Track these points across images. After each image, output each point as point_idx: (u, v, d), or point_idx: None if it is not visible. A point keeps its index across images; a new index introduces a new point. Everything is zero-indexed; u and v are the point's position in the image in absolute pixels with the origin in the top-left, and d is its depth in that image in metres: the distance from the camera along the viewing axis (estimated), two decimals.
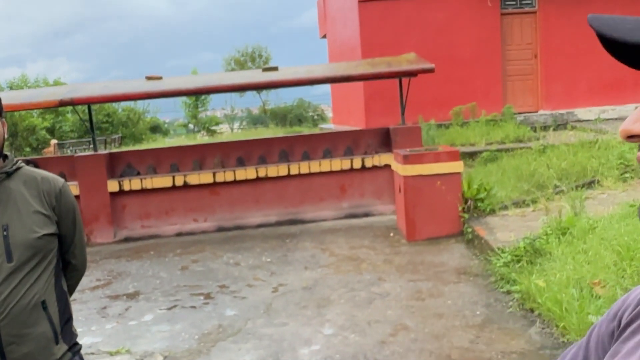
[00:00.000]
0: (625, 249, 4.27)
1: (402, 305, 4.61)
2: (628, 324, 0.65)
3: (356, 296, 4.89)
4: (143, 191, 7.97)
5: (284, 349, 3.96)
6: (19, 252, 1.65)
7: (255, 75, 8.49)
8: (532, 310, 4.15)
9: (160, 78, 8.55)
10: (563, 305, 3.78)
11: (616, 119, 11.82)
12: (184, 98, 25.98)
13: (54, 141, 12.89)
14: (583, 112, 12.13)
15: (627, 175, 7.06)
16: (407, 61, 8.11)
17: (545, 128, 11.30)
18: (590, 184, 7.00)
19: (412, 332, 4.07)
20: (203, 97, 25.93)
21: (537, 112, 12.44)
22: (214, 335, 4.34)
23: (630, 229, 4.70)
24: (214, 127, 26.09)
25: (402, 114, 8.45)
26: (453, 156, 6.55)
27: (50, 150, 10.97)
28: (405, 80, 8.23)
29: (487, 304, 4.47)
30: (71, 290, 1.96)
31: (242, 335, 4.29)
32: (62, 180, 1.83)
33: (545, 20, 12.30)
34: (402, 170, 6.61)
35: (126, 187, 7.91)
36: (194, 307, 5.00)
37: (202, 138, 23.65)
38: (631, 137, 0.53)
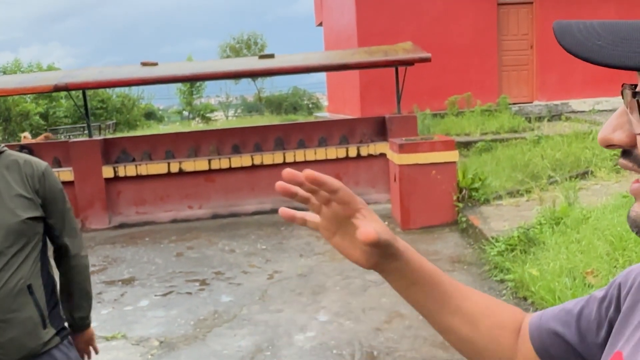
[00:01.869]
0: (618, 239, 4.32)
1: (396, 293, 4.64)
2: (632, 298, 0.65)
3: (351, 283, 4.93)
4: (138, 177, 7.96)
5: (279, 335, 4.00)
6: (1, 236, 1.63)
7: (251, 63, 8.46)
8: (525, 299, 4.19)
9: (155, 64, 8.50)
10: (556, 294, 3.83)
11: (610, 110, 11.86)
12: (179, 85, 25.85)
13: (24, 133, 12.42)
14: (577, 104, 12.17)
15: (618, 166, 7.11)
16: (403, 50, 8.10)
17: (539, 119, 11.34)
18: (584, 175, 7.05)
19: (407, 319, 4.11)
20: (198, 84, 25.80)
21: (532, 102, 12.48)
22: (209, 321, 4.37)
23: (623, 219, 4.75)
24: (208, 115, 25.99)
25: (398, 102, 8.45)
26: (448, 146, 6.57)
27: (26, 138, 10.72)
28: (401, 69, 8.23)
29: (481, 292, 4.51)
30: (85, 286, 1.91)
31: (238, 321, 4.32)
32: (45, 163, 1.82)
33: (542, 11, 12.30)
34: (397, 159, 6.63)
35: (121, 173, 7.90)
36: (189, 293, 5.02)
37: (196, 125, 23.59)
38: (611, 146, 0.53)
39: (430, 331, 3.88)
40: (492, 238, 5.25)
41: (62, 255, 1.88)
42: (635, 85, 0.50)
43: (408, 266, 0.75)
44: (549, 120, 11.26)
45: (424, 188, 6.50)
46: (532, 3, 12.45)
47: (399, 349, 3.66)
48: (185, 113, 28.19)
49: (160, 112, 33.21)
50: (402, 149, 6.55)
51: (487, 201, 6.58)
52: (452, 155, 6.55)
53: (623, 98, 0.51)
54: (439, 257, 5.45)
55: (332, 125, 8.73)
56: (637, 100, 0.49)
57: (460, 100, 11.66)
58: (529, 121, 11.01)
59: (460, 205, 6.49)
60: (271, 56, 8.47)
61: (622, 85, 0.52)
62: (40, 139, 10.98)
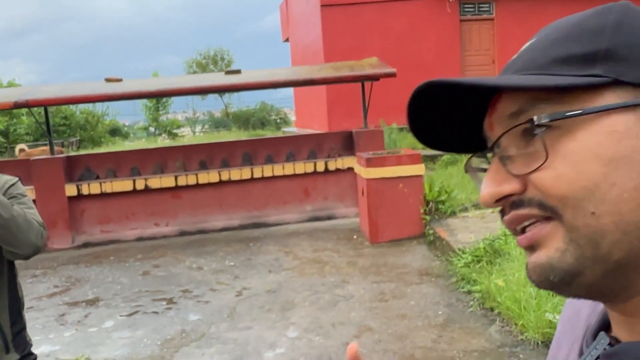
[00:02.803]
0: None
1: (365, 307, 4.65)
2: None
3: (320, 299, 4.91)
4: (102, 195, 7.80)
5: (249, 353, 3.95)
6: None
7: (217, 78, 8.43)
8: (492, 309, 4.25)
9: (120, 80, 8.40)
10: (522, 304, 3.89)
11: None
12: (145, 101, 25.56)
13: (21, 145, 12.22)
14: None
15: None
16: (369, 65, 8.19)
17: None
18: None
19: (376, 333, 4.11)
20: (164, 99, 25.56)
21: None
22: (176, 340, 4.29)
23: None
24: (175, 130, 25.73)
25: (365, 117, 8.53)
26: (415, 159, 6.65)
27: (24, 151, 10.51)
28: (367, 84, 8.32)
29: (449, 304, 4.55)
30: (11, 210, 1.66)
31: (206, 340, 4.25)
32: (16, 178, 1.80)
33: (502, 27, 12.64)
34: (365, 173, 6.68)
35: (85, 191, 7.73)
36: (156, 312, 4.93)
37: (163, 141, 23.32)
38: (500, 200, 0.50)
39: (399, 345, 3.89)
40: (459, 250, 5.31)
41: None
42: (527, 121, 0.47)
43: None
44: None
45: (392, 201, 6.55)
46: (493, 19, 12.79)
47: None
48: (152, 129, 27.85)
49: (125, 129, 32.74)
50: (370, 163, 6.60)
51: (453, 213, 6.66)
52: (419, 169, 6.63)
53: (495, 148, 0.49)
54: (407, 270, 5.49)
55: (300, 140, 8.74)
56: (533, 130, 0.47)
57: None
58: None
59: (428, 218, 6.56)
60: (238, 72, 8.46)
61: (495, 141, 0.49)
62: (37, 151, 10.75)
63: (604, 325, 0.55)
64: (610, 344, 0.51)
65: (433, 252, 5.99)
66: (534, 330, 3.68)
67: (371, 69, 8.03)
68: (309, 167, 8.20)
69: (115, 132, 28.18)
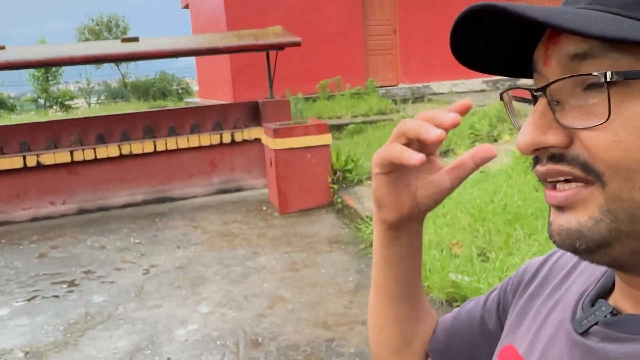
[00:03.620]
0: (478, 211, 4.69)
1: (277, 277, 4.67)
2: (528, 289, 0.66)
3: (232, 272, 4.87)
4: None
5: (160, 332, 3.84)
6: None
7: (114, 46, 7.95)
8: None
9: (2, 48, 7.68)
10: (427, 266, 4.07)
11: (466, 92, 12.82)
12: (32, 70, 23.65)
13: None
14: (437, 86, 12.98)
15: (477, 143, 7.71)
16: (274, 34, 8.07)
17: (404, 101, 11.94)
18: (445, 153, 7.54)
19: (289, 302, 4.15)
20: (54, 69, 23.80)
21: (397, 85, 13.09)
22: (81, 324, 4.09)
23: (482, 193, 5.17)
24: (68, 102, 24.12)
25: (271, 87, 8.43)
26: (322, 129, 6.69)
27: None
28: (272, 53, 8.20)
29: (359, 270, 4.68)
30: None
31: (113, 321, 4.08)
32: None
33: None
34: (272, 143, 6.63)
35: None
36: (56, 296, 4.66)
37: (55, 114, 21.80)
38: (538, 150, 0.46)
39: (312, 313, 3.95)
40: (367, 217, 5.45)
41: None
42: (581, 75, 0.42)
43: (418, 234, 0.69)
44: (413, 102, 11.90)
45: (300, 172, 6.58)
46: None
47: (283, 332, 3.69)
48: (41, 101, 25.92)
49: (11, 101, 30.23)
50: (277, 133, 6.56)
51: (360, 182, 6.81)
52: (326, 139, 6.68)
53: (545, 95, 0.45)
54: (317, 239, 5.56)
55: (205, 111, 8.50)
56: (605, 85, 0.41)
57: (330, 84, 11.91)
58: (395, 103, 11.55)
59: (335, 187, 6.66)
60: (135, 39, 8.02)
61: (550, 84, 0.44)
62: None
63: (603, 294, 0.53)
64: (612, 313, 0.49)
65: (342, 220, 6.11)
66: (438, 290, 3.88)
67: (276, 38, 7.91)
68: (214, 139, 8.02)
69: (0, 104, 25.94)
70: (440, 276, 3.92)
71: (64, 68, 24.19)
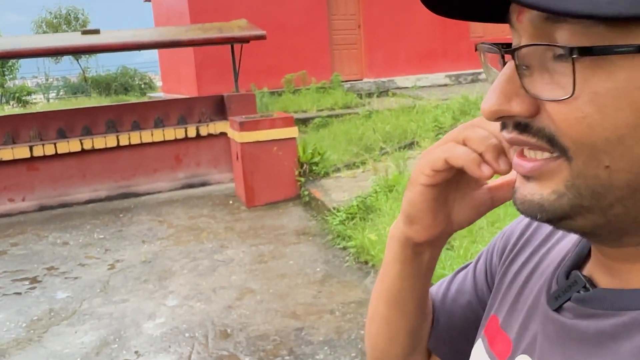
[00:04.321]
0: None
1: (246, 269, 4.67)
2: (512, 253, 0.64)
3: (199, 265, 4.84)
4: None
5: (127, 326, 3.80)
6: None
7: (74, 39, 7.77)
8: (366, 263, 4.47)
9: None
10: None
11: (429, 86, 13.00)
12: None
13: None
14: (402, 80, 13.12)
15: (440, 136, 7.83)
16: (238, 27, 8.02)
17: (369, 95, 12.03)
18: (410, 145, 7.65)
19: (258, 294, 4.16)
20: (10, 63, 23.06)
21: (362, 79, 13.18)
22: (45, 320, 4.01)
23: None
24: (26, 97, 23.42)
25: (236, 81, 8.38)
26: (288, 122, 6.70)
27: None
28: (237, 46, 8.15)
29: (326, 260, 4.72)
30: None
31: (78, 316, 4.02)
32: None
33: None
34: (238, 137, 6.60)
35: None
36: (18, 293, 4.55)
37: (12, 109, 21.16)
38: (503, 118, 0.44)
39: (281, 303, 3.97)
40: (334, 209, 5.49)
41: None
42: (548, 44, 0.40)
43: (440, 249, 0.64)
44: (377, 96, 12.00)
45: (267, 165, 6.57)
46: None
47: (252, 323, 3.70)
48: None
49: None
50: (243, 127, 6.53)
51: (327, 174, 6.85)
52: (292, 132, 6.69)
53: (514, 58, 0.42)
54: (285, 231, 5.58)
55: (169, 105, 8.39)
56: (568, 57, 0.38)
57: (296, 78, 11.91)
58: (360, 97, 11.63)
59: (302, 179, 6.68)
60: (96, 31, 7.85)
61: (517, 49, 0.42)
62: None
63: (579, 263, 0.52)
64: (584, 287, 0.48)
65: (309, 212, 6.14)
66: None
67: (240, 31, 7.86)
68: (179, 133, 7.93)
69: None
70: None
71: (20, 62, 23.48)
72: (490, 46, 0.46)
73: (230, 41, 7.92)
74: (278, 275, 4.48)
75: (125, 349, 3.49)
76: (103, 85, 21.99)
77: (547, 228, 0.60)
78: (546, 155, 0.42)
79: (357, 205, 5.27)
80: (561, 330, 0.48)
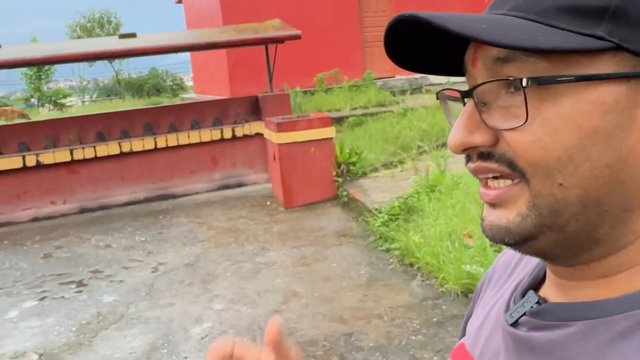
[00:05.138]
0: None
1: (289, 272, 4.64)
2: (484, 285, 0.68)
3: (242, 268, 4.84)
4: None
5: (174, 330, 3.81)
6: None
7: (111, 43, 7.86)
8: (411, 265, 4.40)
9: None
10: (440, 258, 4.05)
11: (463, 81, 12.74)
12: (24, 69, 23.42)
13: None
14: (434, 76, 12.92)
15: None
16: (273, 28, 8.00)
17: (402, 92, 11.88)
18: (421, 153, 7.51)
19: (303, 297, 4.12)
20: (46, 67, 23.56)
21: (394, 77, 13.03)
22: (93, 324, 4.04)
23: None
24: (62, 100, 23.92)
25: (270, 81, 8.37)
26: (325, 122, 6.65)
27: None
28: (271, 47, 8.14)
29: (370, 263, 4.66)
30: None
31: (126, 321, 4.05)
32: None
33: None
34: (276, 138, 6.59)
35: None
36: (65, 297, 4.61)
37: (49, 113, 21.62)
38: (467, 150, 0.48)
39: (328, 307, 3.93)
40: (375, 209, 5.42)
41: None
42: (509, 78, 0.44)
43: None
44: (411, 94, 11.85)
45: (304, 165, 6.54)
46: None
47: (300, 328, 3.66)
48: (33, 100, 25.69)
49: (1, 100, 29.97)
50: (280, 127, 6.51)
51: (364, 174, 6.78)
52: (329, 132, 6.65)
53: (472, 97, 0.47)
54: (325, 233, 5.53)
55: (204, 107, 8.43)
56: (521, 88, 0.43)
57: (328, 76, 11.85)
58: (394, 95, 11.50)
59: (340, 180, 6.63)
60: (133, 35, 7.93)
61: (475, 87, 0.47)
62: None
63: (534, 285, 0.56)
64: (537, 302, 0.52)
65: (348, 213, 6.08)
66: (453, 282, 3.86)
67: (275, 32, 7.85)
68: (215, 134, 7.97)
69: None
70: (455, 267, 3.90)
71: (56, 66, 23.96)
72: (450, 92, 0.54)
73: (266, 42, 7.91)
74: (322, 278, 4.44)
75: (175, 354, 3.49)
76: (135, 87, 22.31)
77: (512, 263, 0.65)
78: (508, 182, 0.47)
79: (399, 206, 5.19)
80: (518, 342, 0.51)
